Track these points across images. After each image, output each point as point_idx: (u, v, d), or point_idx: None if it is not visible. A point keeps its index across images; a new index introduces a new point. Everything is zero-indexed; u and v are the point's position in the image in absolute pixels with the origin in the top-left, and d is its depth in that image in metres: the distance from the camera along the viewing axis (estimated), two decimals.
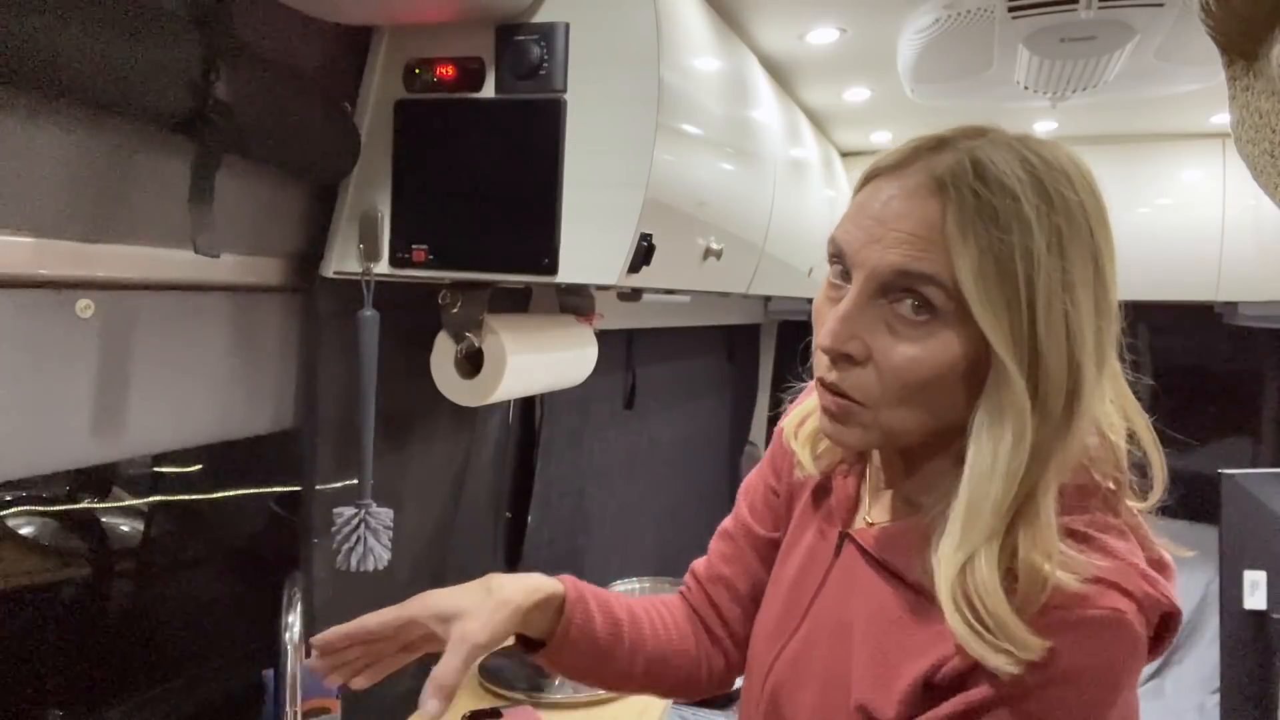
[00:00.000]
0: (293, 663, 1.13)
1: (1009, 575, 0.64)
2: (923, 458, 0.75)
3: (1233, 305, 2.42)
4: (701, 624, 0.99)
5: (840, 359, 0.70)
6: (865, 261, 0.68)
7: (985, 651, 0.62)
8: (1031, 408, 0.65)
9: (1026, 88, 1.67)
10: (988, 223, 0.64)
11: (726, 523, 1.01)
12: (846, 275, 0.70)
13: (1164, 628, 0.68)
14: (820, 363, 0.72)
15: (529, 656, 0.91)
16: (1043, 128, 2.35)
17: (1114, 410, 0.73)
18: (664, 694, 0.99)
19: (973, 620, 0.63)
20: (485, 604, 0.81)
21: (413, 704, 1.50)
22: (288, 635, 1.12)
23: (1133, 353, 0.74)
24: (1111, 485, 0.71)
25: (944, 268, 0.64)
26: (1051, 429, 0.65)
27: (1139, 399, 0.75)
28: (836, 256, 0.72)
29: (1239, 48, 0.66)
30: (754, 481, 1.00)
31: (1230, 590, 2.16)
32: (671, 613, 0.99)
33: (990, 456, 0.65)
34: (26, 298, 0.85)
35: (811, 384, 0.83)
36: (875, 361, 0.68)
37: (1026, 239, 0.64)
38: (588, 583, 0.94)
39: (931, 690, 0.68)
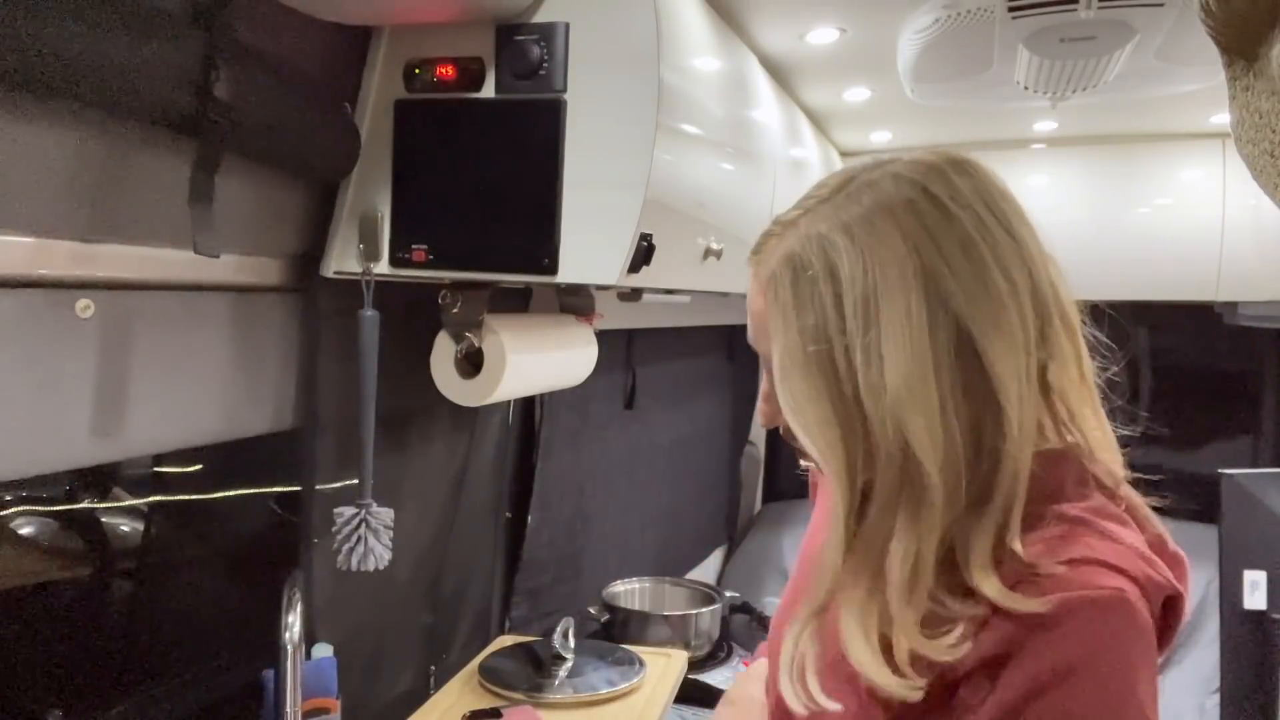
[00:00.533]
0: (293, 663, 1.13)
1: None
2: None
3: (1233, 305, 2.41)
4: None
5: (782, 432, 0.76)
6: (758, 350, 0.77)
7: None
8: (855, 485, 0.69)
9: (1026, 88, 1.66)
10: (793, 308, 0.70)
11: None
12: None
13: (1168, 614, 0.68)
14: None
15: None
16: (1043, 128, 2.35)
17: (1075, 399, 0.73)
18: None
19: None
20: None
21: (412, 704, 1.51)
22: (288, 635, 1.12)
23: (1124, 346, 0.74)
24: (1099, 472, 0.72)
25: None
26: (894, 471, 0.67)
27: (1137, 396, 0.75)
28: None
29: (1239, 48, 0.66)
30: None
31: (1230, 590, 2.16)
32: None
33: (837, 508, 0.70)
34: (26, 298, 0.85)
35: None
36: None
37: (826, 311, 0.68)
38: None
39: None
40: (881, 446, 0.66)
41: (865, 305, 0.66)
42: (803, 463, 0.85)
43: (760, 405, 0.78)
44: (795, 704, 0.70)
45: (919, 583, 0.67)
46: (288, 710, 1.14)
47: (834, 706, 0.69)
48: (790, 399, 0.70)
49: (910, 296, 0.66)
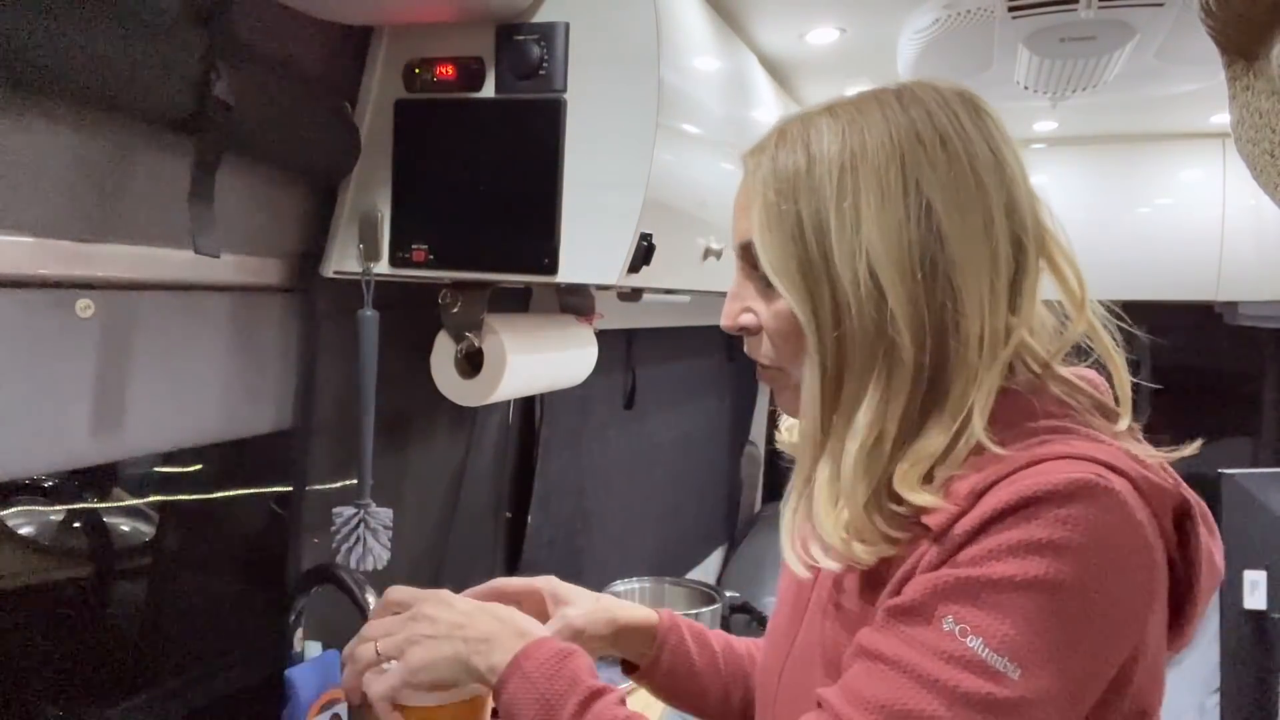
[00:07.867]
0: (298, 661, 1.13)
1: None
2: None
3: (1233, 305, 2.42)
4: None
5: (743, 333, 0.76)
6: (737, 239, 0.76)
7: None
8: (825, 342, 0.67)
9: (1026, 88, 1.66)
10: (776, 182, 0.70)
11: None
12: None
13: (1183, 522, 0.64)
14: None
15: (630, 677, 0.98)
16: (1043, 128, 2.35)
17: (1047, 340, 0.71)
18: None
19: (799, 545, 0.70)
20: (592, 605, 0.93)
21: None
22: (291, 635, 1.12)
23: (1131, 350, 0.74)
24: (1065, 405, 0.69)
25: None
26: (869, 332, 0.66)
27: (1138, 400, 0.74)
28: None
29: (1239, 48, 0.66)
30: None
31: (1230, 590, 2.16)
32: None
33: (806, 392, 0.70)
34: (26, 297, 0.85)
35: None
36: (764, 326, 0.74)
37: (811, 182, 0.68)
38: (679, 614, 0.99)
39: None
40: (854, 306, 0.66)
41: (841, 171, 0.67)
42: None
43: (726, 306, 0.76)
44: (797, 567, 0.72)
45: (880, 451, 0.66)
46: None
47: (831, 565, 0.69)
48: (763, 244, 0.70)
49: (888, 169, 0.67)
